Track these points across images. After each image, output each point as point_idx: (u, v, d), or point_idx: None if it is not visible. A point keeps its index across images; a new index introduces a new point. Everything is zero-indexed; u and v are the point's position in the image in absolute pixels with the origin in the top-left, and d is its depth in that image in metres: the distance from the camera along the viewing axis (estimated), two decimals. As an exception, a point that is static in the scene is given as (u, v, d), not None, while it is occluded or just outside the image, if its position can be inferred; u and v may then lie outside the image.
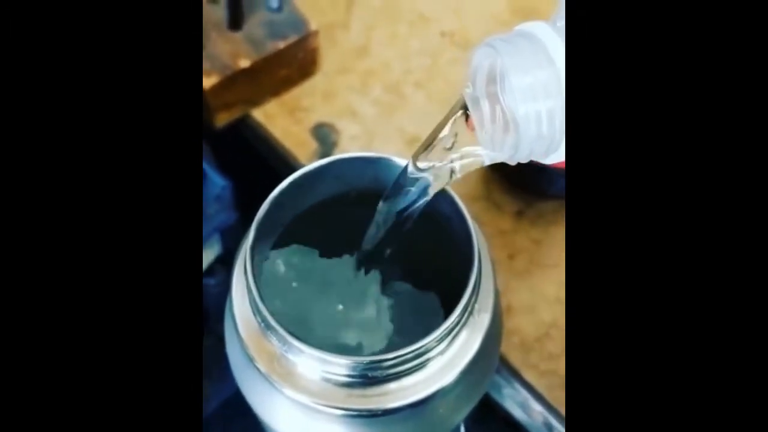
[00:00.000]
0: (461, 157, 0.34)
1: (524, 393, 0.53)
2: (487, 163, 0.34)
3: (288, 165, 0.60)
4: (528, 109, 0.30)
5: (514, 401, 0.54)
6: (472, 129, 0.33)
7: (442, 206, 0.37)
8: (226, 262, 0.52)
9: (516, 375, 0.54)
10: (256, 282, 0.33)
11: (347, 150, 0.60)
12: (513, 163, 0.32)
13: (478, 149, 0.33)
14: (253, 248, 0.33)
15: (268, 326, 0.33)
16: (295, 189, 0.36)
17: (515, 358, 0.54)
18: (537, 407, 0.53)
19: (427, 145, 0.34)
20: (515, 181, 0.59)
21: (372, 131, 0.61)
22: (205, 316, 0.54)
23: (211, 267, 0.51)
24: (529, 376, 0.54)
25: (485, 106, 0.32)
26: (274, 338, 0.33)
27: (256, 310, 0.34)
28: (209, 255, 0.50)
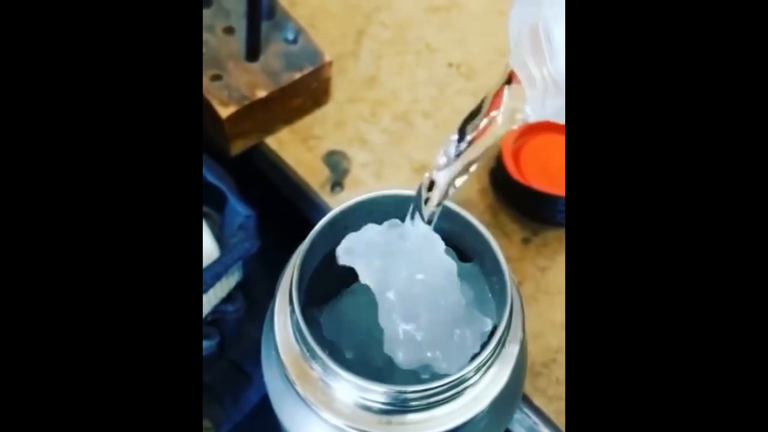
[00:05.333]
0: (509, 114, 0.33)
1: (533, 418, 0.54)
2: (532, 120, 0.33)
3: (300, 192, 0.61)
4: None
5: (523, 426, 0.55)
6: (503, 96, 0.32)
7: (472, 243, 0.38)
8: (244, 288, 0.53)
9: (525, 400, 0.55)
10: (301, 311, 0.34)
11: (359, 177, 0.61)
12: (561, 121, 0.31)
13: (526, 108, 0.32)
14: (298, 280, 0.35)
15: (313, 354, 0.34)
16: (335, 222, 0.38)
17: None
18: (546, 431, 0.54)
19: (475, 113, 0.33)
20: (522, 209, 0.60)
21: (381, 159, 0.62)
22: (220, 342, 0.54)
23: (231, 293, 0.52)
24: (537, 401, 0.55)
25: (533, 67, 0.30)
26: (316, 364, 0.35)
27: (300, 338, 0.35)
28: (230, 282, 0.51)
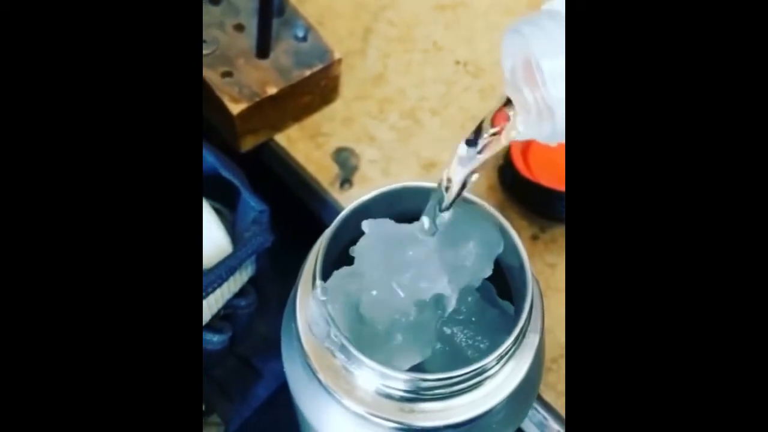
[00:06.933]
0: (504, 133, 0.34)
1: (542, 413, 0.55)
2: (520, 139, 0.34)
3: (310, 188, 0.61)
4: (560, 91, 0.30)
5: (532, 421, 0.55)
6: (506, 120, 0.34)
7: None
8: (256, 282, 0.53)
9: (535, 395, 0.55)
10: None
11: (367, 174, 0.61)
12: (553, 144, 0.33)
13: (521, 128, 0.34)
14: (322, 267, 0.35)
15: (336, 343, 0.34)
16: (358, 212, 0.38)
17: (533, 379, 0.55)
18: (555, 426, 0.54)
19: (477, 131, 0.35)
20: (531, 206, 0.60)
21: (389, 156, 0.62)
22: (231, 338, 0.54)
23: (243, 288, 0.52)
24: (547, 396, 0.55)
25: (527, 92, 0.32)
26: (339, 352, 0.35)
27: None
28: (243, 276, 0.51)
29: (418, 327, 0.37)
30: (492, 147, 0.35)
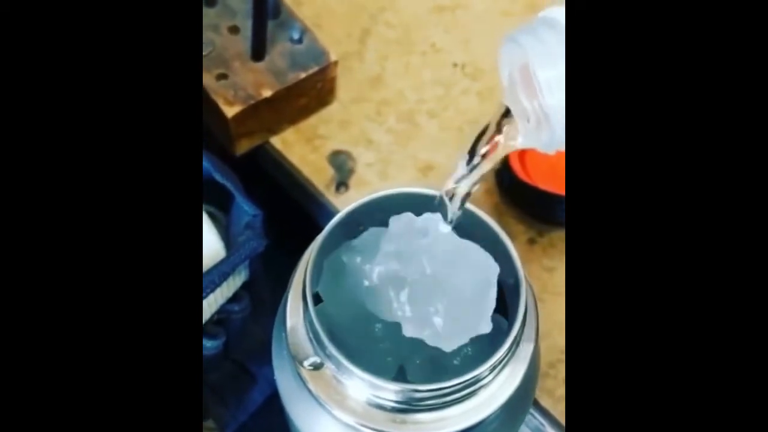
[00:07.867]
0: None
1: (539, 419, 0.54)
2: (518, 148, 0.35)
3: (305, 192, 0.61)
4: (556, 100, 0.31)
5: (529, 426, 0.54)
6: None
7: (484, 241, 0.38)
8: (249, 288, 0.53)
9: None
10: (315, 308, 0.34)
11: (364, 177, 0.61)
12: (551, 152, 0.33)
13: (519, 138, 0.35)
14: (312, 276, 0.34)
15: (327, 352, 0.34)
16: (349, 218, 0.37)
17: (531, 384, 0.55)
18: (553, 433, 0.54)
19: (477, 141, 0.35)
20: (528, 210, 0.60)
21: (387, 159, 0.62)
22: (226, 343, 0.54)
23: (236, 293, 0.51)
24: (544, 401, 0.55)
25: (525, 101, 0.33)
26: (330, 362, 0.34)
27: (313, 335, 0.35)
28: (237, 281, 0.50)
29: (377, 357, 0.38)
30: (488, 162, 0.36)
